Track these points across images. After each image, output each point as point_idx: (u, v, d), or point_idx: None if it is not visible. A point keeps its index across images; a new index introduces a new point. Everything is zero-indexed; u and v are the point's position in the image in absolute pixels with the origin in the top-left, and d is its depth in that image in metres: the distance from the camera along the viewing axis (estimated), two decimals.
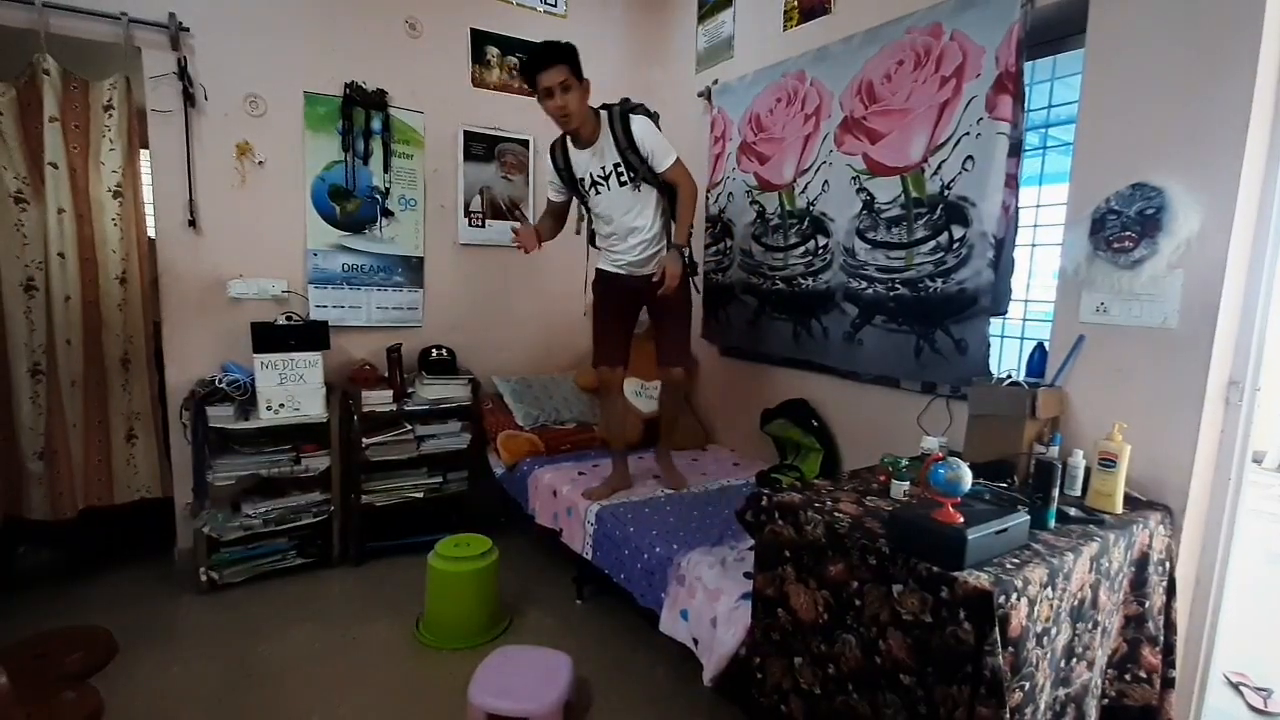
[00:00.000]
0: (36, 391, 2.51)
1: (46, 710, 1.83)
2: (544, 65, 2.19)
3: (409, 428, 2.91)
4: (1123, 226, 1.65)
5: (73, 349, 2.53)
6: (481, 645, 2.27)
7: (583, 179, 2.37)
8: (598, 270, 2.55)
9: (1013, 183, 1.93)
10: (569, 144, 2.39)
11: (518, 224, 2.54)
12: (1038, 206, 2.07)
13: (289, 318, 2.74)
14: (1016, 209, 1.96)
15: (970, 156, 1.99)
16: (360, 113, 2.93)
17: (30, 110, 2.39)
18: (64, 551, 2.74)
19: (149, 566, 2.76)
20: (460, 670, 2.02)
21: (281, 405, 2.63)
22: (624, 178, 2.32)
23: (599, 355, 2.57)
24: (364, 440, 2.80)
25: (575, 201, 2.55)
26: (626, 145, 2.27)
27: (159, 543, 2.80)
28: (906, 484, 1.65)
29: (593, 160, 2.34)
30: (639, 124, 2.28)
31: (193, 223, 2.67)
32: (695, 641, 1.88)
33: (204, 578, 2.58)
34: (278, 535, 2.72)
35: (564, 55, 2.19)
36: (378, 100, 2.95)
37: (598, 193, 2.38)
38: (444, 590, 2.34)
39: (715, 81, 3.09)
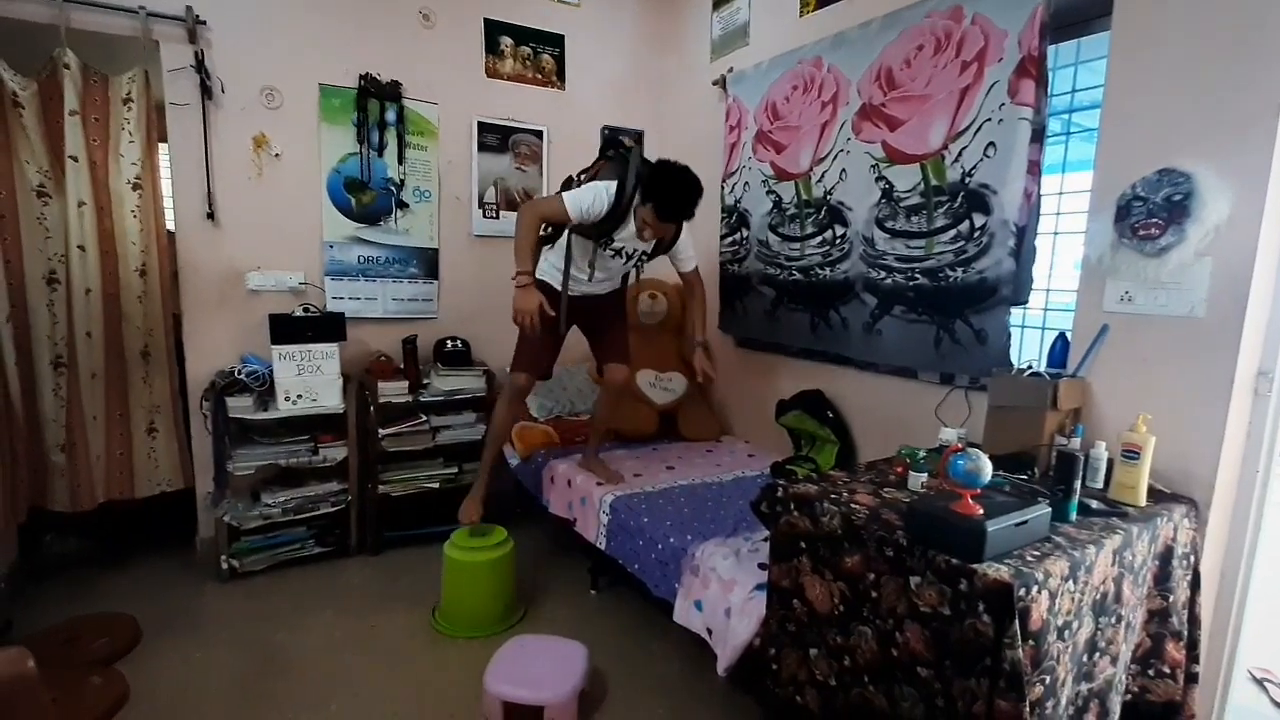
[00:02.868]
0: (58, 384, 2.55)
1: (73, 695, 1.88)
2: (670, 220, 2.25)
3: (424, 419, 2.93)
4: (1149, 213, 1.61)
5: (93, 341, 2.57)
6: (497, 634, 2.29)
7: (612, 239, 2.35)
8: (543, 285, 2.41)
9: (1035, 169, 1.89)
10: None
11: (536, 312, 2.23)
12: (1060, 194, 2.02)
13: (306, 309, 2.76)
14: (1039, 196, 1.92)
15: (992, 143, 1.95)
16: (375, 104, 2.93)
17: (51, 104, 2.42)
18: (89, 540, 2.79)
19: (172, 555, 2.81)
20: (476, 659, 2.03)
21: (299, 396, 2.66)
22: (639, 261, 2.49)
23: (524, 363, 2.49)
24: (380, 431, 2.82)
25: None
26: (668, 245, 2.40)
27: (181, 532, 2.84)
28: (924, 475, 1.63)
29: (633, 239, 2.35)
30: (686, 234, 2.43)
31: (211, 215, 2.70)
32: (709, 632, 1.88)
33: (225, 566, 2.62)
34: (296, 524, 2.76)
35: (689, 215, 2.28)
36: (392, 92, 2.96)
37: (614, 256, 2.41)
38: (460, 580, 2.35)
39: (730, 69, 3.06)
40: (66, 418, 2.57)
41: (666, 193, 2.16)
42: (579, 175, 2.47)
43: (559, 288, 2.40)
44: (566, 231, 2.36)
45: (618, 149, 2.51)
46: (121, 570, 2.71)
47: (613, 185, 2.26)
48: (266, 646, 2.24)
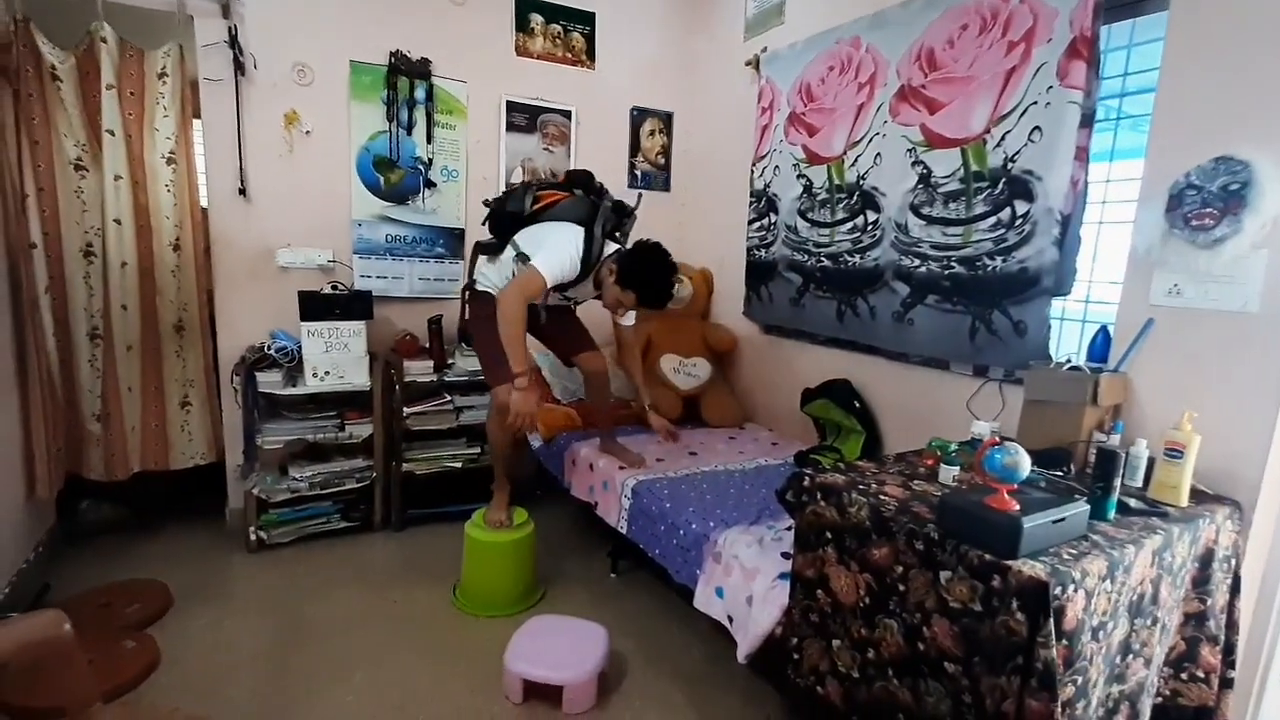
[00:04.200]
0: (94, 355, 2.60)
1: (108, 657, 1.93)
2: (658, 308, 2.35)
3: (449, 398, 2.95)
4: (1203, 203, 1.55)
5: (129, 314, 2.61)
6: (516, 614, 2.31)
7: (567, 288, 2.34)
8: (479, 293, 2.37)
9: (1083, 155, 1.82)
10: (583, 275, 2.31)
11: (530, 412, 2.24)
12: (1107, 182, 1.95)
13: (334, 287, 2.78)
14: (1086, 184, 1.85)
15: (1038, 127, 1.88)
16: (404, 82, 2.92)
17: (88, 78, 2.45)
18: (123, 508, 2.86)
19: (202, 525, 2.87)
20: (497, 637, 2.05)
21: (327, 373, 2.69)
22: (573, 305, 2.55)
23: (505, 373, 2.21)
24: (405, 409, 2.84)
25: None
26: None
27: (212, 502, 2.90)
28: (956, 469, 1.60)
29: (588, 294, 2.41)
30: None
31: (243, 191, 2.72)
32: (730, 619, 1.87)
33: (253, 537, 2.67)
34: (323, 499, 2.80)
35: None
36: (422, 69, 2.94)
37: (562, 299, 2.46)
38: (481, 560, 2.37)
39: (764, 49, 2.99)
40: (102, 388, 2.63)
41: (652, 287, 2.23)
42: (536, 190, 2.35)
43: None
44: (514, 257, 2.26)
45: (588, 191, 2.36)
46: (154, 538, 2.78)
47: (580, 241, 2.21)
48: (293, 616, 2.28)
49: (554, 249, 2.20)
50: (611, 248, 2.33)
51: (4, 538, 2.19)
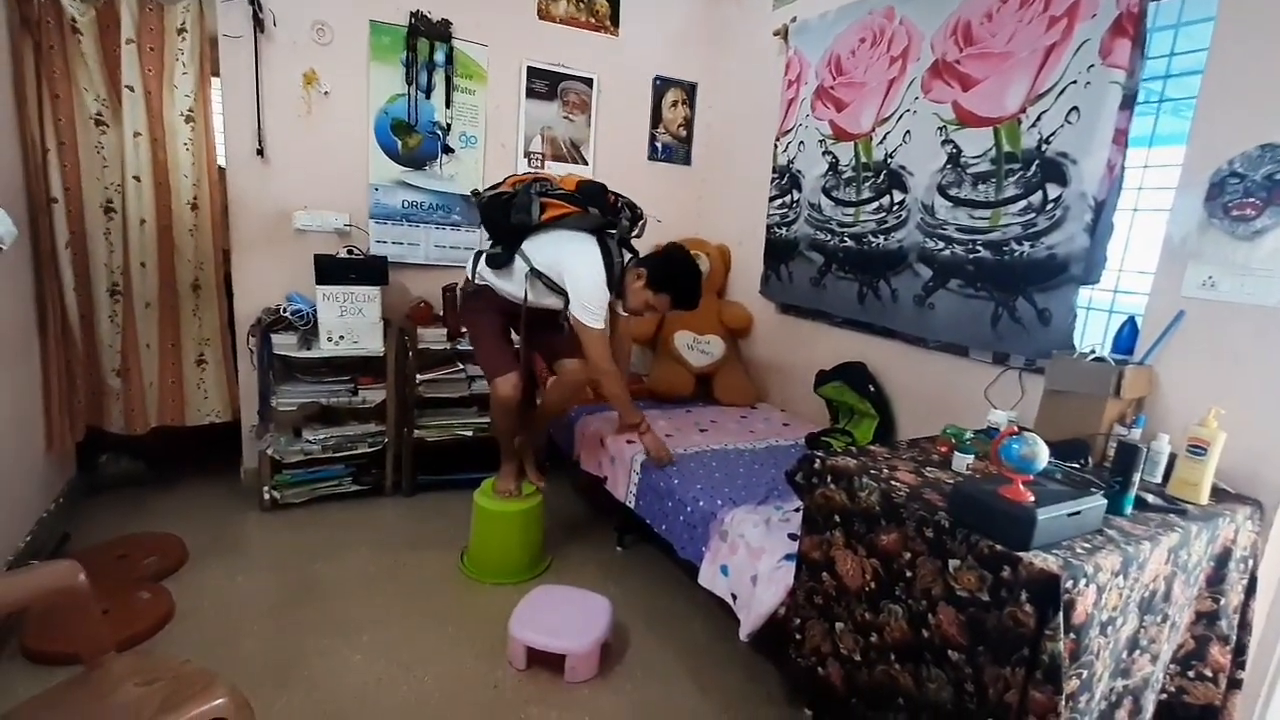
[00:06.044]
0: (115, 311, 2.63)
1: (123, 608, 1.97)
2: (691, 309, 2.35)
3: (461, 367, 2.95)
4: (1245, 192, 1.49)
5: (147, 272, 2.63)
6: (522, 582, 2.33)
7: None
8: (478, 287, 2.35)
9: (1121, 139, 1.75)
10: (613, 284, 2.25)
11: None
12: (1145, 167, 1.88)
13: (350, 251, 2.77)
14: (1122, 169, 1.78)
15: (1075, 108, 1.80)
16: (424, 44, 2.87)
17: (109, 32, 2.43)
18: (141, 462, 2.91)
19: (218, 482, 2.92)
20: (502, 604, 2.07)
21: (341, 337, 2.69)
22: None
23: (503, 364, 2.30)
24: (418, 376, 2.85)
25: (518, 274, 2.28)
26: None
27: (227, 460, 2.95)
28: (970, 457, 1.57)
29: None
30: None
31: (261, 152, 2.70)
32: (734, 597, 1.87)
33: (267, 496, 2.71)
34: (335, 461, 2.83)
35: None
36: (442, 31, 2.89)
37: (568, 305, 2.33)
38: (489, 528, 2.39)
39: (794, 19, 2.90)
40: (122, 344, 2.66)
41: (686, 289, 2.25)
42: (541, 197, 2.21)
43: (512, 299, 2.29)
44: (528, 273, 2.22)
45: (602, 210, 2.23)
46: (170, 493, 2.83)
47: (600, 262, 2.15)
48: (304, 575, 2.32)
49: (584, 284, 2.15)
50: (626, 256, 2.28)
51: (25, 487, 2.24)
